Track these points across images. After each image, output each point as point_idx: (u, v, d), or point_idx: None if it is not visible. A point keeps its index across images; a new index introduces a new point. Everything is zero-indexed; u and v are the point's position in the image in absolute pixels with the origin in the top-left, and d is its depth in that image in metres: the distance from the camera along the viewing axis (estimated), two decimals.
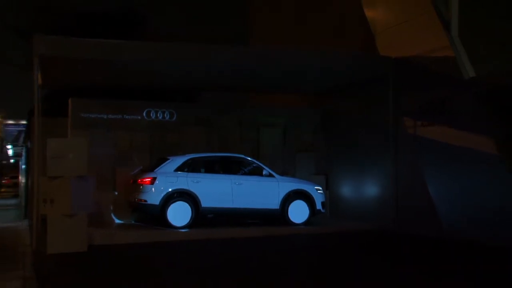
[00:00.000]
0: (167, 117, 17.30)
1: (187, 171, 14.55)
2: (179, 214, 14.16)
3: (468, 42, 14.05)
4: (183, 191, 14.28)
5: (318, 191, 15.69)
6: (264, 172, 15.25)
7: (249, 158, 15.54)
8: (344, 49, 17.46)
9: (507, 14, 14.55)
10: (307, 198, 15.39)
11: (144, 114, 17.07)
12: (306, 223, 15.27)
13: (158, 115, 17.19)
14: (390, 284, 8.38)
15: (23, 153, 26.68)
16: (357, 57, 16.54)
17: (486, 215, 12.71)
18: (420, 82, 14.99)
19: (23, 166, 26.56)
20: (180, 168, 14.49)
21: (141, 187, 14.22)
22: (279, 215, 15.16)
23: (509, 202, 12.44)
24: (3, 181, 62.32)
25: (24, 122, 33.62)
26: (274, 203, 15.09)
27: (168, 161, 14.61)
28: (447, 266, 10.05)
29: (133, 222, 15.70)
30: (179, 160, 14.65)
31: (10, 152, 73.89)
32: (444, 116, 14.19)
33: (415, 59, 15.20)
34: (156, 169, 14.44)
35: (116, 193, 15.69)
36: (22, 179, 27.61)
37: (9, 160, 72.59)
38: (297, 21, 21.45)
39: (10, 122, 70.95)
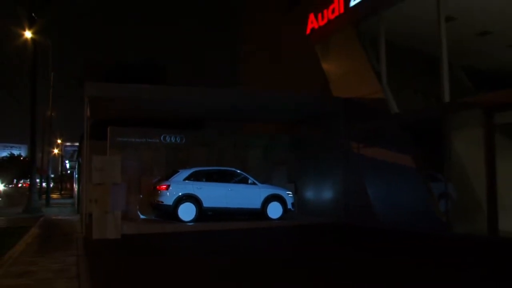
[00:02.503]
0: (179, 141, 17.68)
1: (193, 180, 14.69)
2: (187, 212, 14.32)
3: (394, 88, 14.78)
4: (190, 195, 14.41)
5: (289, 195, 15.80)
6: (249, 181, 15.39)
7: (239, 171, 15.66)
8: (309, 91, 17.90)
9: (419, 69, 15.31)
10: (281, 200, 15.48)
11: (162, 138, 17.45)
12: (280, 218, 15.33)
13: (172, 139, 17.57)
14: (335, 254, 9.00)
15: (76, 166, 26.81)
16: (317, 97, 17.10)
17: (406, 211, 13.18)
18: (362, 116, 15.33)
19: (76, 176, 26.62)
20: (187, 178, 14.65)
21: (159, 192, 14.42)
22: (260, 213, 15.23)
23: (421, 202, 13.13)
24: (67, 185, 63.27)
25: (77, 144, 33.79)
26: (256, 204, 15.22)
27: (179, 172, 14.77)
28: (375, 245, 10.58)
29: (153, 217, 15.72)
30: (187, 172, 14.82)
31: (67, 165, 74.67)
32: (378, 140, 14.69)
33: (358, 99, 15.57)
34: (170, 178, 14.61)
35: (141, 196, 15.89)
36: (75, 185, 27.73)
37: (67, 172, 73.33)
38: (276, 69, 21.50)
39: (68, 143, 71.68)
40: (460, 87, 16.22)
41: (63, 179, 70.79)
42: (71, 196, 39.20)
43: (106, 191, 11.90)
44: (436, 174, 13.50)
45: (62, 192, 58.06)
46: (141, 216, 15.86)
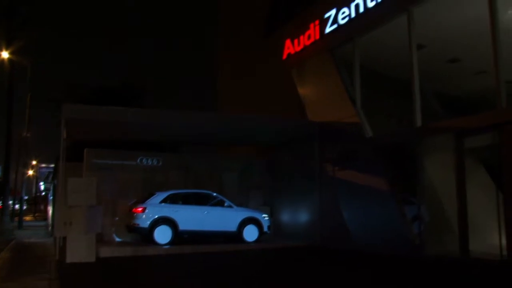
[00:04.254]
0: (156, 163, 17.55)
1: (169, 203, 14.58)
2: (162, 235, 14.16)
3: (367, 113, 15.00)
4: (166, 217, 14.28)
5: (265, 218, 15.80)
6: (225, 204, 15.33)
7: (215, 194, 15.59)
8: (285, 115, 17.98)
9: (392, 93, 15.58)
10: (257, 223, 15.46)
11: (139, 161, 17.32)
12: (256, 241, 15.29)
13: (149, 161, 17.44)
14: (310, 276, 9.08)
15: (51, 188, 26.36)
16: (293, 121, 17.16)
17: (381, 233, 13.21)
18: (336, 139, 15.50)
19: (51, 198, 26.20)
20: (164, 201, 14.54)
21: (135, 214, 14.22)
22: (236, 236, 15.16)
23: (395, 225, 13.23)
24: (41, 208, 61.82)
25: (52, 165, 33.27)
26: (232, 227, 15.16)
27: (155, 195, 14.66)
28: (347, 268, 10.64)
29: (129, 240, 15.44)
30: (163, 195, 14.72)
31: (42, 187, 73.29)
32: (352, 163, 14.77)
33: (333, 123, 15.71)
34: (146, 201, 14.48)
35: (117, 218, 15.70)
36: (49, 207, 27.23)
37: (41, 193, 71.84)
38: (253, 92, 21.65)
39: (43, 165, 70.62)
40: (432, 112, 16.53)
41: (37, 201, 69.30)
42: (45, 219, 38.51)
43: (81, 214, 11.73)
44: (409, 196, 13.65)
45: (36, 215, 56.81)
46: (117, 239, 15.62)
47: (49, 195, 31.31)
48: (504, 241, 10.43)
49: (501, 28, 11.04)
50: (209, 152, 21.00)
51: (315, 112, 16.92)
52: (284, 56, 18.76)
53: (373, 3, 14.35)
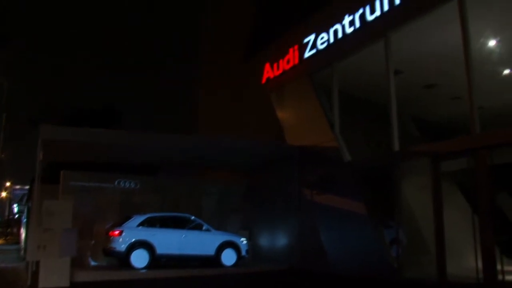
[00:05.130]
0: (133, 186, 17.38)
1: (147, 226, 14.45)
2: (139, 259, 13.97)
3: (346, 137, 15.19)
4: (143, 241, 14.12)
5: (243, 242, 15.73)
6: (204, 227, 15.26)
7: (193, 217, 15.49)
8: (264, 139, 18.08)
9: (370, 118, 15.83)
10: (235, 247, 15.38)
11: (116, 183, 17.14)
12: (234, 265, 15.20)
13: (127, 184, 17.26)
14: None
15: (25, 210, 25.83)
16: (271, 145, 17.19)
17: (359, 256, 13.28)
18: (315, 163, 15.60)
19: (24, 220, 25.71)
20: (141, 224, 14.41)
21: (111, 237, 14.06)
22: (215, 260, 15.03)
23: (373, 248, 13.29)
24: (13, 231, 60.05)
25: (27, 187, 32.63)
26: (211, 251, 15.03)
27: (132, 218, 14.52)
28: None
29: (105, 264, 15.22)
30: (141, 218, 14.58)
31: (15, 209, 71.57)
32: (331, 187, 14.85)
33: (312, 147, 15.84)
34: (123, 224, 14.32)
35: (93, 242, 15.48)
36: (23, 230, 26.63)
37: (15, 216, 70.03)
38: (233, 116, 21.71)
39: (18, 186, 69.28)
40: (409, 136, 16.83)
41: (9, 224, 67.53)
42: (17, 242, 37.56)
43: (56, 237, 11.55)
44: (387, 220, 13.76)
45: (8, 238, 55.31)
46: (92, 263, 15.38)
47: (23, 217, 30.65)
48: (480, 264, 10.56)
49: (474, 56, 11.38)
50: (188, 175, 20.88)
51: (294, 136, 17.06)
52: (264, 80, 18.96)
53: (351, 29, 14.68)
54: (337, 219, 14.54)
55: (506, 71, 15.25)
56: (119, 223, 14.69)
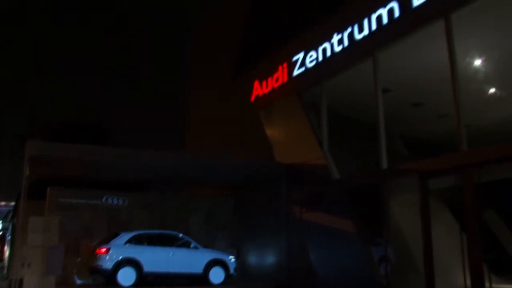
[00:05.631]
0: (121, 203, 17.31)
1: (134, 244, 14.24)
2: (126, 277, 13.69)
3: (335, 155, 15.25)
4: (130, 259, 13.90)
5: (231, 260, 15.53)
6: (192, 245, 15.08)
7: (181, 234, 15.32)
8: (252, 156, 18.03)
9: (359, 136, 15.93)
10: (223, 265, 15.18)
11: (103, 200, 17.05)
12: (222, 283, 15.00)
13: (114, 201, 17.19)
14: None
15: (10, 227, 25.43)
16: (260, 162, 17.22)
17: (347, 275, 13.21)
18: (304, 181, 15.58)
19: (9, 237, 25.29)
20: (128, 241, 14.19)
21: (98, 255, 13.79)
22: (203, 278, 14.83)
23: (361, 266, 13.27)
24: None
25: (13, 203, 32.21)
26: (198, 269, 14.84)
27: (119, 235, 14.31)
28: None
29: (91, 282, 14.99)
30: (128, 235, 14.38)
31: None
32: (319, 205, 14.80)
33: (300, 164, 15.87)
34: (110, 241, 14.13)
35: (80, 259, 15.19)
36: (6, 248, 26.15)
37: None
38: (222, 133, 21.76)
39: (3, 203, 68.32)
40: (397, 154, 16.94)
41: None
42: (1, 260, 36.83)
43: (41, 255, 11.40)
44: (376, 238, 13.76)
45: None
46: (78, 281, 15.14)
47: (7, 234, 30.14)
48: (468, 282, 10.59)
49: (460, 74, 11.56)
50: (176, 192, 20.79)
51: (283, 153, 17.08)
52: (253, 98, 19.05)
53: (340, 47, 14.85)
54: (325, 237, 14.51)
55: (492, 90, 15.48)
56: (106, 241, 14.48)
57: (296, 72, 16.79)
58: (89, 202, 16.88)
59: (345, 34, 14.69)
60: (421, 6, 12.08)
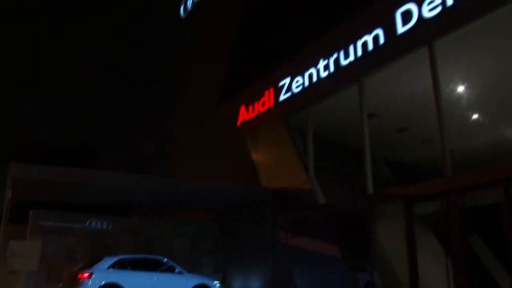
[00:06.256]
0: (105, 227, 17.03)
1: (118, 268, 13.85)
2: None
3: (320, 180, 15.25)
4: (114, 284, 13.41)
5: (216, 285, 15.04)
6: (176, 270, 14.71)
7: (165, 259, 14.89)
8: (238, 181, 18.04)
9: (345, 161, 15.99)
10: None
11: (88, 224, 16.79)
12: None
13: (98, 224, 16.90)
14: None
15: None
16: (245, 187, 17.11)
17: None
18: (290, 206, 15.48)
19: None
20: (112, 266, 13.78)
21: (80, 280, 13.25)
22: None
23: None
24: None
25: None
26: None
27: (103, 260, 13.85)
28: None
29: None
30: (112, 260, 13.95)
31: None
32: (305, 230, 14.74)
33: (286, 189, 15.80)
34: (93, 266, 13.67)
35: (61, 284, 14.57)
36: None
37: None
38: (208, 157, 21.79)
39: None
40: (383, 179, 17.00)
41: None
42: None
43: (21, 280, 11.16)
44: (361, 263, 13.69)
45: None
46: None
47: None
48: None
49: (444, 100, 11.71)
50: (161, 216, 20.64)
51: (269, 178, 17.06)
52: (239, 122, 19.09)
53: (326, 73, 15.00)
54: (311, 262, 14.41)
55: (475, 116, 15.69)
56: (88, 265, 14.14)
57: (282, 97, 16.89)
58: (72, 225, 16.67)
59: (331, 60, 14.86)
60: (405, 33, 12.30)
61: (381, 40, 13.05)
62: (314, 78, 15.49)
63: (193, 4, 28.57)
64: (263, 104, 17.84)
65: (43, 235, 14.86)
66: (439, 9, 11.45)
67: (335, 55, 14.72)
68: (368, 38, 13.48)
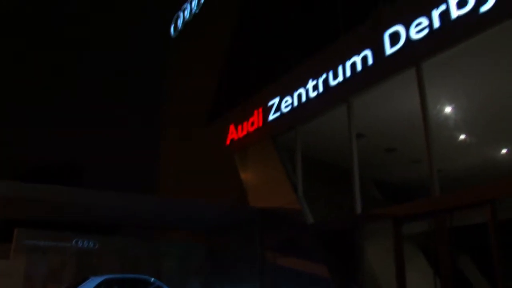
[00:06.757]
0: (92, 246, 16.78)
1: None
2: None
3: (309, 199, 15.25)
4: None
5: None
6: None
7: (153, 279, 14.48)
8: (226, 200, 18.04)
9: (333, 181, 16.06)
10: None
11: (73, 243, 16.53)
12: None
13: (85, 243, 16.68)
14: None
15: None
16: (233, 207, 17.16)
17: None
18: (278, 225, 15.50)
19: None
20: (98, 286, 13.36)
21: None
22: None
23: None
24: None
25: None
26: None
27: (88, 280, 13.50)
28: None
29: None
30: (98, 280, 13.57)
31: None
32: (294, 250, 14.70)
33: (274, 209, 15.78)
34: (79, 286, 13.28)
35: None
36: None
37: None
38: (196, 177, 21.73)
39: None
40: (371, 199, 17.06)
41: None
42: None
43: None
44: (350, 283, 13.62)
45: None
46: None
47: None
48: None
49: (432, 121, 11.84)
50: (148, 236, 20.47)
51: (257, 197, 17.04)
52: (228, 142, 19.10)
53: (315, 93, 15.10)
54: (299, 283, 14.28)
55: (462, 136, 15.87)
56: (74, 285, 13.93)
57: (271, 116, 16.96)
58: (58, 244, 16.34)
59: (320, 80, 14.98)
60: (393, 54, 12.46)
61: (370, 61, 13.20)
62: (303, 98, 15.58)
63: (184, 23, 28.78)
64: (252, 123, 17.88)
65: (28, 254, 14.64)
66: (426, 31, 11.64)
67: (324, 76, 14.85)
68: (357, 59, 13.63)
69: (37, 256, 15.26)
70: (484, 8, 10.37)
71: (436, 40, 11.38)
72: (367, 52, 13.32)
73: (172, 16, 30.72)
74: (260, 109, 17.61)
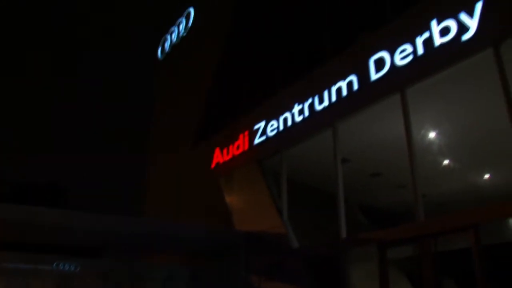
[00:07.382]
0: (73, 269, 16.46)
1: None
2: None
3: (294, 223, 15.22)
4: None
5: None
6: None
7: None
8: (211, 223, 17.92)
9: (318, 205, 16.06)
10: None
11: (54, 265, 16.23)
12: None
13: (65, 266, 16.37)
14: None
15: None
16: (218, 230, 16.99)
17: None
18: (263, 249, 15.42)
19: None
20: None
21: None
22: None
23: None
24: None
25: None
26: None
27: None
28: None
29: None
30: None
31: None
32: (279, 274, 14.51)
33: (260, 233, 15.75)
34: None
35: None
36: None
37: None
38: (182, 199, 21.65)
39: None
40: (356, 223, 17.08)
41: None
42: None
43: None
44: None
45: None
46: None
47: None
48: None
49: (416, 146, 11.96)
50: (132, 258, 20.16)
51: (242, 221, 16.97)
52: (213, 165, 19.08)
53: (301, 117, 15.21)
54: None
55: (446, 162, 16.04)
56: None
57: (257, 140, 17.01)
58: (37, 267, 16.09)
59: (306, 105, 15.11)
60: (378, 80, 12.64)
61: (355, 86, 13.36)
62: (289, 123, 15.67)
63: (171, 46, 28.96)
64: (238, 147, 17.91)
65: (6, 277, 14.32)
66: (410, 58, 11.86)
67: (309, 100, 14.98)
68: (342, 84, 13.80)
69: (15, 280, 14.95)
70: (466, 37, 10.61)
71: (420, 66, 11.58)
72: (353, 77, 13.50)
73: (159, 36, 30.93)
74: (246, 133, 17.67)
